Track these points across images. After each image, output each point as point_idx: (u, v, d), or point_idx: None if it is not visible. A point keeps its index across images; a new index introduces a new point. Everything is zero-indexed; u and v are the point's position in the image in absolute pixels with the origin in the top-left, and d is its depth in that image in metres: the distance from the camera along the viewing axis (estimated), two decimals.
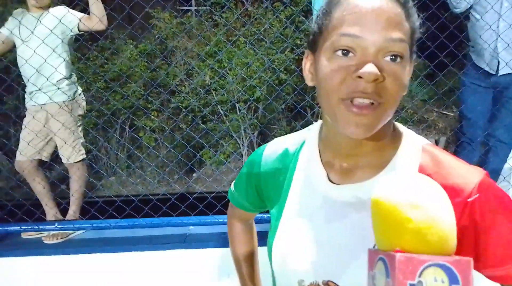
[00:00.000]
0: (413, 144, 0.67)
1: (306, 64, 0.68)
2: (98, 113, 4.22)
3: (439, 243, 0.46)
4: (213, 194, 2.39)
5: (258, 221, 1.02)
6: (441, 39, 2.28)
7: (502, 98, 2.58)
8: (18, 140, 2.43)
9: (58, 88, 2.31)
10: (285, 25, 4.37)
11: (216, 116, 4.46)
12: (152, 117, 4.35)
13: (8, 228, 2.11)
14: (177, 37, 4.74)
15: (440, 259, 0.44)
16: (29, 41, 2.20)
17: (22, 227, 2.11)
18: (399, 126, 0.70)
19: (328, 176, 0.69)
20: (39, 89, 2.29)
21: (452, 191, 0.57)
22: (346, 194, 0.67)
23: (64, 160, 2.39)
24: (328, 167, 0.70)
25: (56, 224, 2.15)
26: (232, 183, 0.92)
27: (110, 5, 2.39)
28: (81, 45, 4.09)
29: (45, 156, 2.42)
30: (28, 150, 2.34)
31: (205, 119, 4.53)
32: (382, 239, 0.51)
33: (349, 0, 0.58)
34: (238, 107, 4.46)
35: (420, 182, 0.51)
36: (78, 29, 2.31)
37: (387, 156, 0.66)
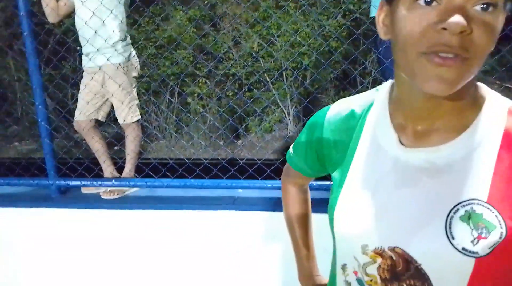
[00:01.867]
0: (498, 106, 0.61)
1: (380, 16, 0.62)
2: (149, 79, 4.33)
3: None
4: (262, 160, 2.41)
5: (313, 189, 1.00)
6: None
7: None
8: (76, 101, 2.54)
9: (115, 50, 2.37)
10: None
11: (263, 84, 4.43)
12: (201, 83, 4.41)
13: (70, 182, 2.24)
14: (227, 2, 4.69)
15: None
16: (87, 2, 2.25)
17: (82, 182, 2.24)
18: (483, 86, 0.64)
19: (399, 139, 0.65)
20: (97, 51, 2.36)
21: None
22: (420, 158, 0.62)
23: (120, 121, 2.47)
24: (399, 130, 0.65)
25: (113, 181, 2.26)
26: (291, 146, 0.88)
27: None
28: (133, 11, 4.16)
29: (102, 115, 2.52)
30: (86, 109, 2.44)
31: (252, 87, 4.52)
32: None
33: None
34: (285, 75, 4.39)
35: None
36: None
37: (468, 119, 0.61)
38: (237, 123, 3.79)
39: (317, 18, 4.22)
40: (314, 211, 1.00)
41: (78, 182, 2.26)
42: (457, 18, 0.49)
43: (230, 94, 4.33)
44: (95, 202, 2.24)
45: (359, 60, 3.41)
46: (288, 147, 0.90)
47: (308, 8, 4.29)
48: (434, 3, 0.51)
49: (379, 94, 0.70)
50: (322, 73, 4.19)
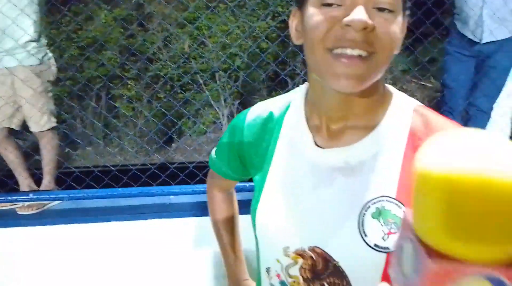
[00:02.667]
0: (404, 106, 0.64)
1: (293, 23, 0.64)
2: (72, 81, 4.06)
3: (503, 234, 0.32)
4: (194, 164, 2.36)
5: (240, 190, 0.99)
6: (426, 7, 2.25)
7: (484, 67, 2.59)
8: None
9: (27, 51, 2.18)
10: None
11: (195, 85, 4.36)
12: (129, 85, 4.22)
13: None
14: (154, 1, 4.55)
15: (489, 271, 0.31)
16: None
17: None
18: (389, 87, 0.67)
19: (314, 140, 0.66)
20: (5, 52, 2.15)
21: None
22: (334, 158, 0.64)
23: (33, 129, 2.28)
24: (314, 131, 0.67)
25: (31, 195, 2.08)
26: (213, 150, 0.88)
27: None
28: (53, 9, 3.88)
29: (16, 123, 2.31)
30: None
31: (184, 88, 4.42)
32: (421, 220, 0.35)
33: None
34: (218, 76, 4.37)
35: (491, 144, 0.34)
36: None
37: (376, 118, 0.64)
38: (170, 127, 3.69)
39: (246, 20, 4.24)
40: (242, 213, 0.98)
41: None
42: (360, 15, 0.51)
43: (162, 96, 4.20)
44: (10, 219, 2.04)
45: (288, 61, 3.48)
46: None
47: (237, 9, 4.30)
48: (338, 4, 0.54)
49: (296, 96, 0.72)
50: (253, 74, 4.22)
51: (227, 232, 0.96)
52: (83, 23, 4.50)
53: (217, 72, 4.26)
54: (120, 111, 4.11)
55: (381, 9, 0.53)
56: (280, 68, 3.85)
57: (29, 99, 2.20)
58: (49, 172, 2.30)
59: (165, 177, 2.19)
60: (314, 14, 0.55)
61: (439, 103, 2.86)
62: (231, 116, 4.47)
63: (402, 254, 0.38)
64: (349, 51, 0.53)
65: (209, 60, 4.25)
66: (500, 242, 0.32)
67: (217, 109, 4.42)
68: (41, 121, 2.26)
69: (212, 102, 4.33)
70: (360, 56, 0.53)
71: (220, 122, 4.41)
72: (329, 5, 0.54)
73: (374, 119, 0.64)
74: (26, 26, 2.15)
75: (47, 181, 2.30)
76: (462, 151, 0.33)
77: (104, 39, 4.20)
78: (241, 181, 0.90)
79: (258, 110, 0.75)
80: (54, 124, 2.34)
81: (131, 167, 2.23)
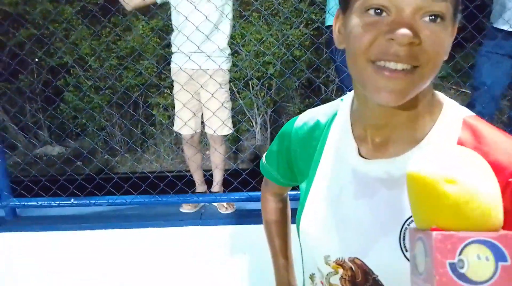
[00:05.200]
0: (454, 116, 0.61)
1: (336, 25, 0.62)
2: (112, 90, 4.22)
3: (482, 218, 0.43)
4: (229, 171, 2.38)
5: (292, 199, 1.02)
6: (468, 10, 2.19)
7: None
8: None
9: (226, 55, 2.24)
10: None
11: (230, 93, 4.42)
12: (165, 93, 4.33)
13: (26, 203, 2.13)
14: None
15: (482, 235, 0.41)
16: (201, 3, 2.07)
17: (39, 202, 2.13)
18: (440, 95, 0.64)
19: (359, 150, 0.65)
20: (208, 56, 2.14)
21: (493, 169, 0.50)
22: (377, 169, 0.63)
23: (210, 131, 2.27)
24: (359, 141, 0.66)
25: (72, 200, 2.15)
26: (264, 156, 0.89)
27: None
28: (94, 21, 4.05)
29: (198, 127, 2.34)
30: (188, 119, 2.24)
31: None
32: (420, 218, 0.47)
33: None
34: (252, 84, 4.40)
35: (458, 154, 0.47)
36: None
37: (423, 130, 0.61)
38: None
39: (280, 28, 4.26)
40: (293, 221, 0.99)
41: (35, 203, 2.14)
42: (405, 31, 0.49)
43: None
44: (52, 223, 2.11)
45: (322, 68, 3.46)
46: (257, 157, 0.90)
47: (271, 18, 4.33)
48: (384, 14, 0.51)
49: (343, 105, 0.71)
50: (287, 81, 4.22)
51: (278, 236, 0.96)
52: (122, 33, 4.67)
53: (251, 80, 4.30)
54: (157, 119, 4.22)
55: (431, 17, 0.51)
56: (314, 76, 3.84)
57: (214, 102, 2.20)
58: (219, 173, 2.32)
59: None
60: (357, 23, 0.53)
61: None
62: (264, 124, 4.49)
63: (415, 258, 0.44)
64: (392, 65, 0.51)
65: (242, 68, 4.29)
66: (471, 221, 0.42)
67: (251, 117, 4.45)
68: (219, 125, 2.24)
69: (245, 110, 4.37)
70: (403, 70, 0.51)
71: (253, 130, 4.44)
72: (374, 11, 0.52)
73: (421, 130, 0.61)
74: (225, 32, 2.20)
75: (216, 183, 2.34)
76: (433, 160, 0.45)
77: (141, 49, 4.34)
78: (292, 189, 0.92)
79: (306, 118, 0.75)
80: (231, 131, 2.34)
81: (168, 174, 2.28)
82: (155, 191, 2.16)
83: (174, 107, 2.37)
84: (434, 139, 0.61)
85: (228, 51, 2.27)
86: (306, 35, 3.98)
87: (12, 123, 4.78)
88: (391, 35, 0.50)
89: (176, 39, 2.21)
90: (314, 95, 4.04)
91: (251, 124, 4.46)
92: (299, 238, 0.74)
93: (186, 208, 2.21)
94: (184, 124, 2.24)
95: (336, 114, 0.71)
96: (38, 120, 4.16)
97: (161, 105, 4.38)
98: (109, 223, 2.08)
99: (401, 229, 0.60)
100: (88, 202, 2.17)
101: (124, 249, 2.03)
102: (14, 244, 2.04)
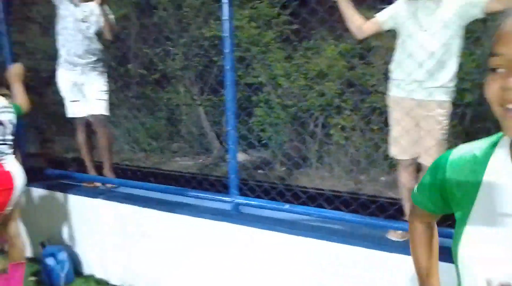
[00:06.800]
0: None
1: None
2: (297, 108, 4.52)
3: None
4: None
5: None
6: None
7: None
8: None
9: (450, 87, 2.06)
10: None
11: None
12: (345, 116, 4.41)
13: (250, 201, 2.39)
14: (380, 36, 4.65)
15: None
16: (427, 28, 2.01)
17: (260, 203, 2.36)
18: None
19: None
20: (440, 86, 2.04)
21: None
22: None
23: (426, 162, 2.11)
24: None
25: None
26: (415, 186, 0.95)
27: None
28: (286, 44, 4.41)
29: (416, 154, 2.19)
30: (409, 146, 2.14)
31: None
32: None
33: (507, 21, 0.65)
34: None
35: None
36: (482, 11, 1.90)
37: None
38: (382, 159, 3.65)
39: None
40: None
41: (257, 202, 2.39)
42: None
43: (375, 128, 4.23)
44: (269, 223, 2.29)
45: None
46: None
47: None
48: (500, 70, 0.65)
49: (502, 139, 0.76)
50: (484, 109, 3.79)
51: (425, 257, 0.99)
52: (310, 57, 4.98)
53: None
54: (334, 138, 4.33)
55: None
56: None
57: (434, 133, 2.08)
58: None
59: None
60: (488, 80, 0.67)
61: None
62: None
63: None
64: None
65: None
66: None
67: None
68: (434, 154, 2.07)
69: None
70: None
71: None
72: (492, 69, 0.66)
73: None
74: (456, 61, 2.05)
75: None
76: None
77: (327, 72, 4.53)
78: (441, 217, 0.94)
79: (461, 152, 0.81)
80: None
81: (381, 198, 2.30)
82: (363, 211, 2.23)
83: (352, 129, 2.36)
84: None
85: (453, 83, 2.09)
86: None
87: (211, 130, 5.63)
88: (506, 86, 0.65)
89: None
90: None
91: None
92: (456, 264, 0.76)
93: (393, 236, 2.11)
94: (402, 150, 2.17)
95: (494, 148, 0.77)
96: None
97: (339, 126, 4.48)
98: (318, 233, 2.16)
99: None
100: (299, 210, 2.31)
101: (329, 261, 2.11)
102: (235, 234, 2.34)
